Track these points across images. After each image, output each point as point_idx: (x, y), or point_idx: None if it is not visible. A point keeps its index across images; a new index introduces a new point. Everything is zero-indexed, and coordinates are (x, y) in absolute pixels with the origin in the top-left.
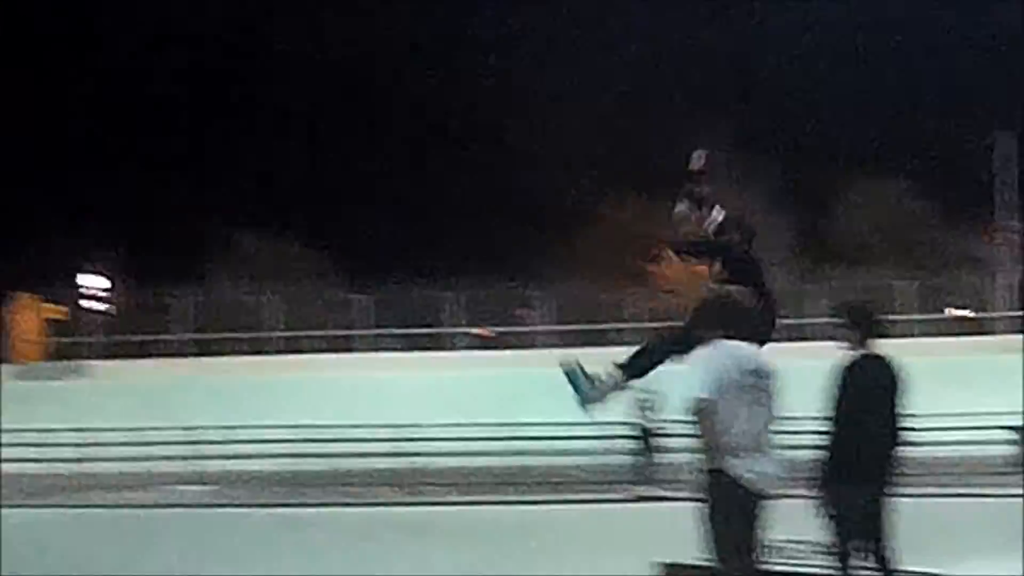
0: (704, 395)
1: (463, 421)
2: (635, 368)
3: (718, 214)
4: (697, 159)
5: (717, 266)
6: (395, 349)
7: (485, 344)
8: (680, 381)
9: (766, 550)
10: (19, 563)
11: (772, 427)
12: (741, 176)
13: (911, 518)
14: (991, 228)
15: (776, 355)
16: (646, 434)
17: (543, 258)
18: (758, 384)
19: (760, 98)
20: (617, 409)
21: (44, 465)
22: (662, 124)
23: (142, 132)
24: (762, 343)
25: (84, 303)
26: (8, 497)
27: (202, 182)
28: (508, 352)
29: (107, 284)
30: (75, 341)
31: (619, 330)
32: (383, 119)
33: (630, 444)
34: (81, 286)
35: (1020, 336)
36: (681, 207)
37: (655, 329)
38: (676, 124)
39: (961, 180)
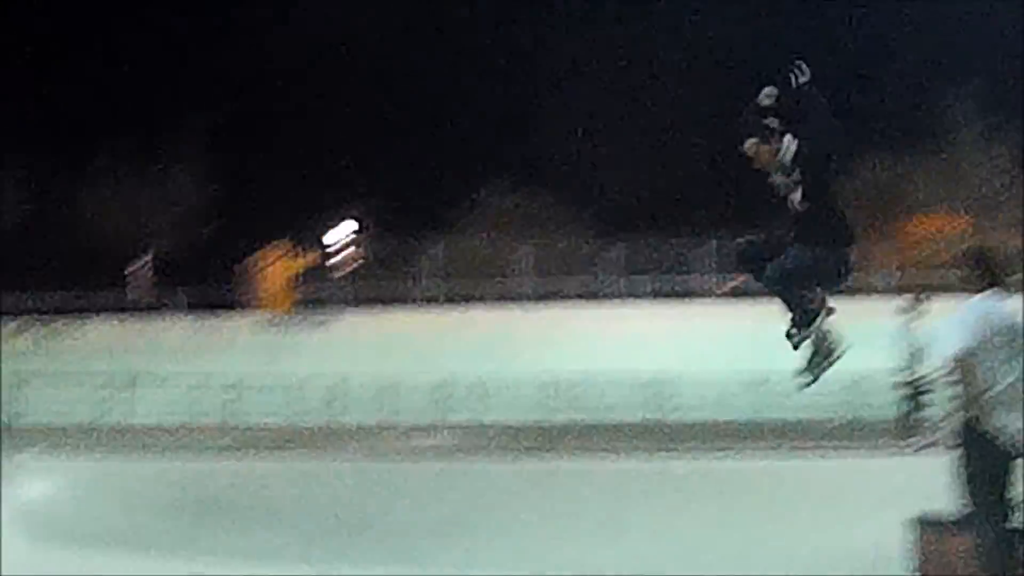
0: (965, 349)
1: (715, 373)
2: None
3: (791, 143)
4: (766, 96)
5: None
6: (646, 297)
7: (736, 294)
8: (942, 335)
9: (1022, 504)
10: (262, 514)
11: None
12: (982, 138)
13: None
14: None
15: None
16: (905, 387)
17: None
18: (1016, 339)
19: (994, 64)
20: (874, 360)
21: (290, 415)
22: (900, 92)
23: (392, 83)
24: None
25: (333, 253)
26: (255, 449)
27: (453, 130)
28: (760, 303)
29: (356, 234)
30: (324, 291)
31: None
32: (633, 70)
33: (887, 397)
34: (331, 236)
35: None
36: (751, 142)
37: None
38: (911, 90)
39: None
